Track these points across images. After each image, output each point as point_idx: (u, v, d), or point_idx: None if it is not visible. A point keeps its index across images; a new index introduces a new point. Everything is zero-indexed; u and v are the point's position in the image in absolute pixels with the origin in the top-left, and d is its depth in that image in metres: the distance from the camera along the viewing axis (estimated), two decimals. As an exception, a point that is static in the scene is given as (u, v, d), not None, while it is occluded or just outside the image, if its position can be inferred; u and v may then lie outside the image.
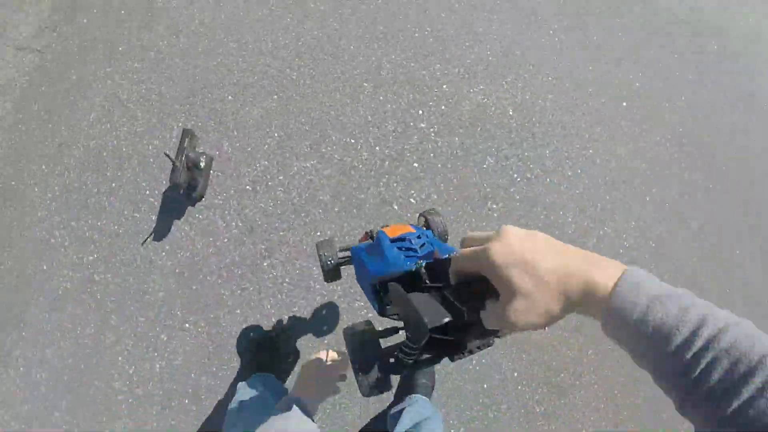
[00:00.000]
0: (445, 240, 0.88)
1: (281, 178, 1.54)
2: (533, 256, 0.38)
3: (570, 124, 1.63)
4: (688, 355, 0.32)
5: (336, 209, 1.56)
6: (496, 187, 1.53)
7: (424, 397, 1.27)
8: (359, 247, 0.74)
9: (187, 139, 1.39)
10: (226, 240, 1.46)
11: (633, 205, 1.61)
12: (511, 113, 1.61)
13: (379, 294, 0.63)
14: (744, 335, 0.32)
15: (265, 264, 1.46)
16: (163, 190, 1.48)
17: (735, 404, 0.30)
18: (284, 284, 1.46)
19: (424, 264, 0.56)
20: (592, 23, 1.83)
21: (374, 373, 0.51)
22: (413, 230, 0.68)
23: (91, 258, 1.43)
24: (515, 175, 1.56)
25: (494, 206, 1.52)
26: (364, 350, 0.53)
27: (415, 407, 1.16)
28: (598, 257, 0.38)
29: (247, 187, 1.51)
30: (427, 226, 0.89)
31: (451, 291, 0.44)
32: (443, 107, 1.63)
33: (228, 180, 1.50)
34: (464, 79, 1.64)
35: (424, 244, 0.63)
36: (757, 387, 0.30)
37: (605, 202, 1.57)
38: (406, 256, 0.61)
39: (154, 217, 1.46)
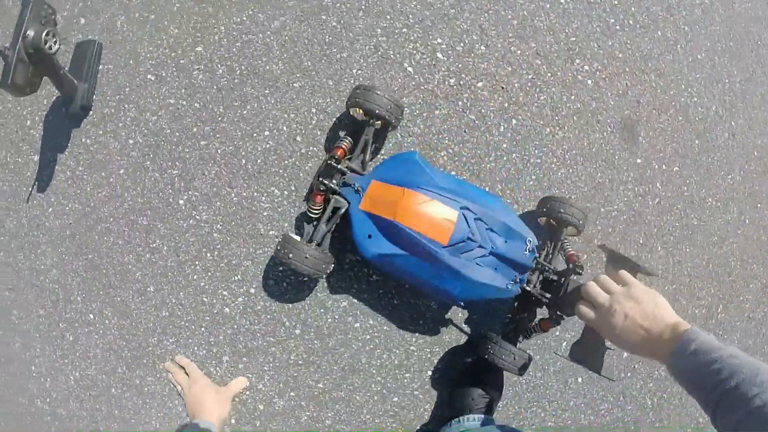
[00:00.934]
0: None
1: (200, 50, 0.85)
2: (642, 346, 0.54)
3: None
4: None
5: (296, 84, 0.81)
6: (584, 35, 0.86)
7: (478, 417, 0.75)
8: (388, 254, 0.65)
9: (29, 9, 0.80)
10: (122, 171, 0.85)
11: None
12: None
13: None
14: None
15: (180, 202, 0.82)
16: (45, 113, 0.95)
17: None
18: (214, 233, 0.80)
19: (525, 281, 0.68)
20: None
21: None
22: (435, 202, 0.63)
23: (-12, 230, 1.01)
24: (611, 20, 0.88)
25: (585, 67, 0.86)
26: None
27: None
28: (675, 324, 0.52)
29: (149, 76, 0.86)
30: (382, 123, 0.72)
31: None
32: None
33: (121, 73, 0.88)
34: None
35: (478, 227, 0.64)
36: None
37: (733, 80, 0.93)
38: (479, 259, 0.64)
39: (36, 158, 0.94)
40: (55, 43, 0.73)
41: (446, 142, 0.83)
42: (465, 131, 0.84)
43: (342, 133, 0.74)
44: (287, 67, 0.82)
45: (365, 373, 0.78)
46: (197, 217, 0.80)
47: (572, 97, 0.86)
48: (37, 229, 0.92)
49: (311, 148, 0.81)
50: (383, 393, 0.78)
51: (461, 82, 0.83)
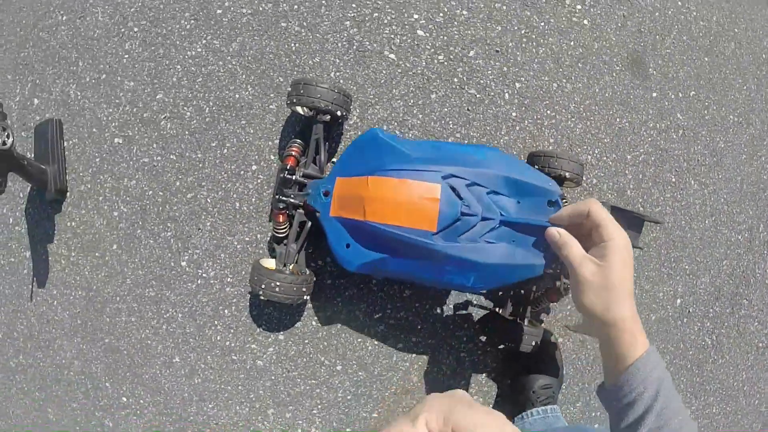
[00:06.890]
0: None
1: (161, 97, 0.79)
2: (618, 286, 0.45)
3: None
4: None
5: (272, 105, 0.75)
6: None
7: (542, 410, 0.69)
8: (371, 262, 0.55)
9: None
10: (114, 247, 0.81)
11: None
12: None
13: None
14: None
15: (183, 264, 0.77)
16: (24, 206, 0.91)
17: None
18: (226, 288, 0.75)
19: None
20: None
21: None
22: (407, 182, 0.52)
23: None
24: None
25: (577, 6, 0.78)
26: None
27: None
28: (634, 328, 0.44)
29: (117, 140, 0.81)
30: None
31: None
32: None
33: (87, 144, 0.83)
34: None
35: (475, 194, 0.52)
36: None
37: None
38: (488, 234, 0.52)
39: (28, 254, 0.90)
40: (7, 137, 0.68)
41: (451, 126, 0.77)
42: (468, 109, 0.77)
43: (295, 140, 0.68)
44: (258, 90, 0.77)
45: (420, 392, 0.73)
46: (204, 276, 0.76)
47: (572, 43, 0.79)
48: (48, 324, 0.89)
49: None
50: (442, 408, 0.74)
51: (451, 57, 0.77)
